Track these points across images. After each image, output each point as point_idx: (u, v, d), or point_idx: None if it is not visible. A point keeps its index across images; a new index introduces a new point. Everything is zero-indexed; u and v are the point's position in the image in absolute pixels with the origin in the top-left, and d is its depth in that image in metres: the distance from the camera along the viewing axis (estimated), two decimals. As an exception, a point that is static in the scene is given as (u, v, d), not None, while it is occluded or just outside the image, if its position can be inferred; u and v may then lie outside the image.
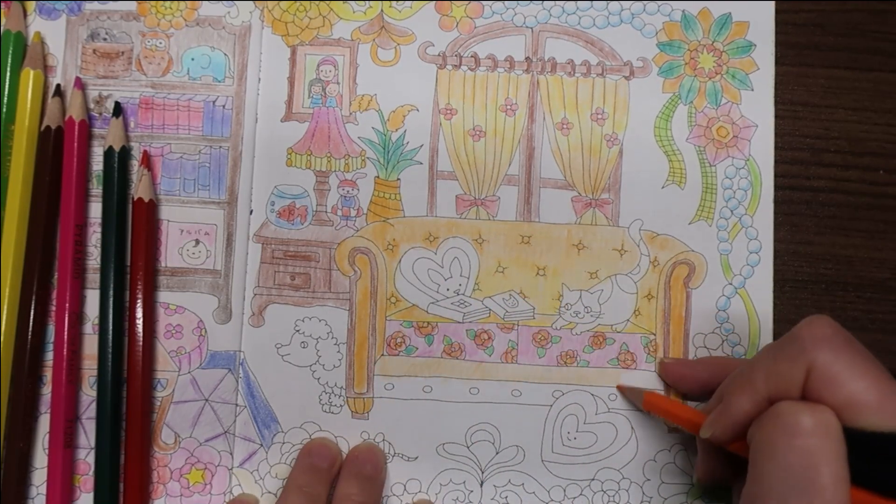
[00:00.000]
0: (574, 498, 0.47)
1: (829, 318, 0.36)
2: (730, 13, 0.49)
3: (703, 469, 0.43)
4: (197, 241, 0.48)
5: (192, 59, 0.49)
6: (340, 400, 0.47)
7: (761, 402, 0.36)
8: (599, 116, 0.49)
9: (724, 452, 0.40)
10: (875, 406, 0.33)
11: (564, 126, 0.49)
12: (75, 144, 0.47)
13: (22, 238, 0.46)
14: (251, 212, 0.48)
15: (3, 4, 0.48)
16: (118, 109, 0.48)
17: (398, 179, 0.49)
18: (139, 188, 0.47)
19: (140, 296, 0.46)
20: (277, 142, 0.49)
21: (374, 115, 0.49)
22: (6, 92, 0.47)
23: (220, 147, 0.49)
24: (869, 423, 0.33)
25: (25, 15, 0.49)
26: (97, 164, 0.48)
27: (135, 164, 0.48)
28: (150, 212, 0.47)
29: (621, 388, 0.47)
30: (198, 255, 0.48)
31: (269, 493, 0.47)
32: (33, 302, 0.45)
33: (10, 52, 0.47)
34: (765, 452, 0.35)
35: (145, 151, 0.48)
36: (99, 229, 0.47)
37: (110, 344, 0.45)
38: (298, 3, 0.49)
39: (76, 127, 0.47)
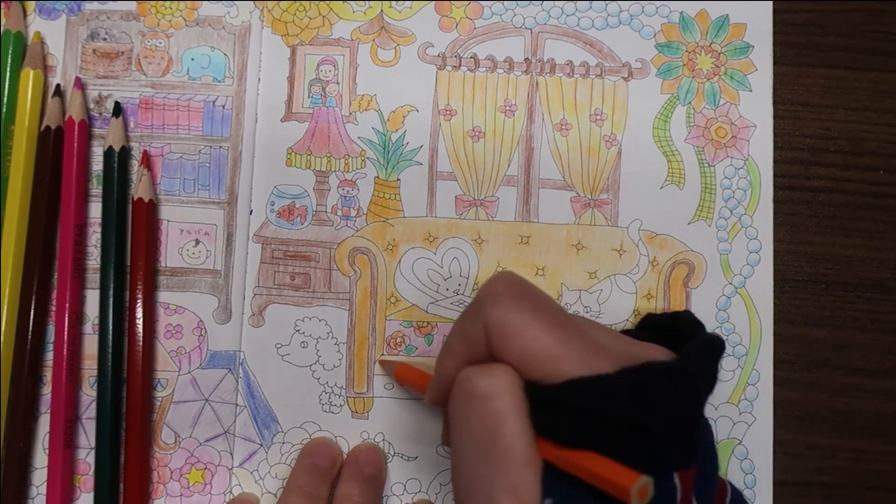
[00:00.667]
0: (573, 498, 0.47)
1: (508, 274, 0.36)
2: (727, 15, 0.49)
3: (445, 434, 0.43)
4: (197, 241, 0.48)
5: (192, 59, 0.49)
6: (340, 400, 0.47)
7: (461, 365, 0.36)
8: (598, 117, 0.49)
9: None
10: (548, 354, 0.33)
11: (563, 127, 0.49)
12: (75, 144, 0.47)
13: (22, 238, 0.46)
14: (251, 212, 0.48)
15: (2, 4, 0.48)
16: (118, 109, 0.48)
17: (398, 180, 0.49)
18: (139, 188, 0.47)
19: (140, 296, 0.46)
20: (277, 142, 0.49)
21: (373, 115, 0.49)
22: (6, 92, 0.47)
23: (220, 147, 0.49)
24: (547, 373, 0.33)
25: (25, 15, 0.49)
26: (97, 164, 0.48)
27: (135, 164, 0.48)
28: (150, 212, 0.47)
29: (382, 363, 0.47)
30: (198, 255, 0.48)
31: (269, 493, 0.47)
32: (33, 302, 0.45)
33: (10, 52, 0.47)
34: (454, 423, 0.35)
35: (145, 151, 0.48)
36: (99, 229, 0.47)
37: (110, 344, 0.45)
38: (298, 3, 0.49)
39: (76, 127, 0.47)
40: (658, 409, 0.31)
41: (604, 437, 0.31)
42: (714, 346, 0.38)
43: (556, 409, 0.32)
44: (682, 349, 0.36)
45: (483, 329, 0.34)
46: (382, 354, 0.48)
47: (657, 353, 0.35)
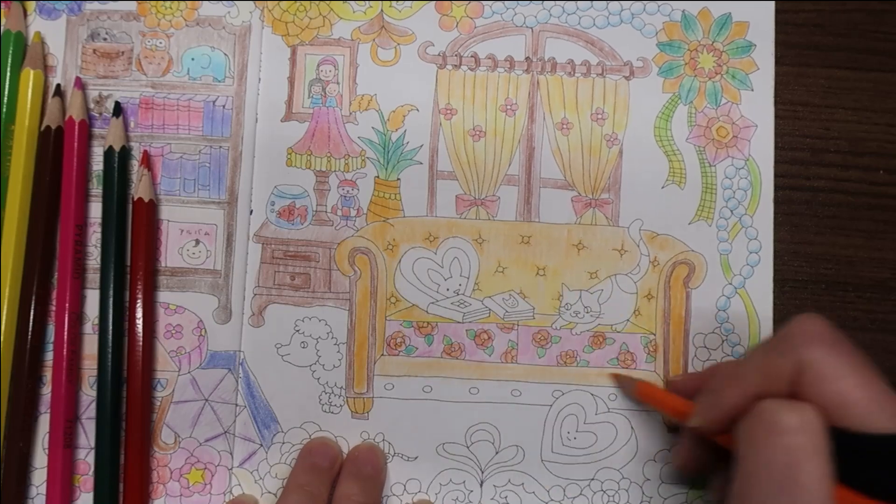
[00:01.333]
0: (574, 498, 0.47)
1: (821, 317, 0.36)
2: (730, 13, 0.49)
3: (684, 457, 0.43)
4: (197, 241, 0.48)
5: (193, 59, 0.49)
6: (340, 400, 0.47)
7: (750, 397, 0.36)
8: (599, 116, 0.49)
9: (706, 443, 0.40)
10: (863, 406, 0.33)
11: (564, 126, 0.49)
12: (75, 144, 0.47)
13: (22, 238, 0.46)
14: (251, 212, 0.48)
15: (3, 4, 0.48)
16: (118, 109, 0.48)
17: (398, 179, 0.49)
18: (139, 188, 0.47)
19: (140, 296, 0.46)
20: (277, 142, 0.49)
21: (374, 114, 0.49)
22: (6, 92, 0.47)
23: (220, 147, 0.49)
24: (856, 424, 0.33)
25: (25, 15, 0.49)
26: (97, 164, 0.48)
27: (135, 164, 0.48)
28: (150, 212, 0.47)
29: (615, 377, 0.47)
30: (198, 255, 0.48)
31: (269, 493, 0.47)
32: (33, 302, 0.45)
33: (10, 51, 0.47)
34: (748, 451, 0.34)
35: (145, 151, 0.48)
36: (99, 229, 0.47)
37: (110, 344, 0.45)
38: (298, 2, 0.49)
39: (76, 127, 0.47)
40: None
41: None
42: None
43: (872, 461, 0.32)
44: None
45: (793, 368, 0.34)
46: (382, 355, 0.47)
47: None
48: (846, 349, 0.35)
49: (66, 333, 0.45)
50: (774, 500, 0.33)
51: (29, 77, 0.47)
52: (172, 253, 0.48)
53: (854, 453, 0.33)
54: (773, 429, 0.33)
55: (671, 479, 0.47)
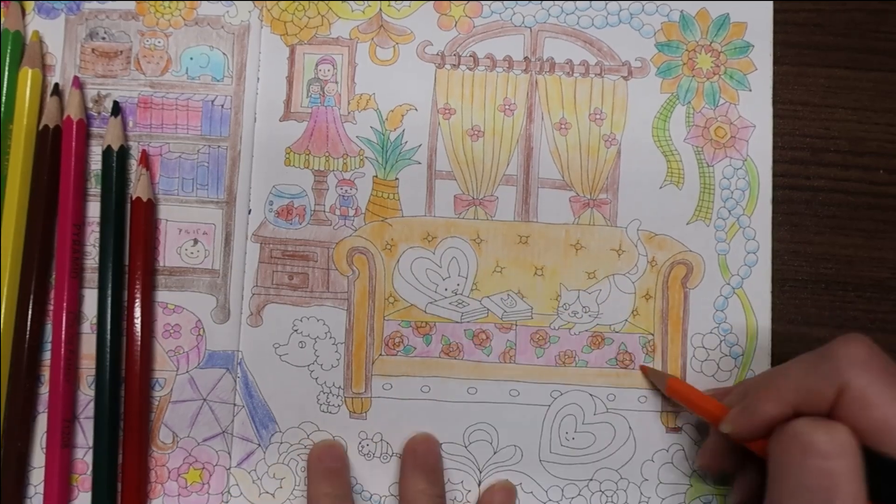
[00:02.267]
0: (572, 498, 0.47)
1: (866, 339, 0.36)
2: (728, 14, 0.49)
3: (710, 457, 0.43)
4: (195, 241, 0.48)
5: (191, 59, 0.49)
6: (338, 400, 0.47)
7: (787, 412, 0.36)
8: (598, 116, 0.49)
9: (734, 446, 0.40)
10: None
11: (563, 126, 0.49)
12: (73, 144, 0.47)
13: (20, 237, 0.46)
14: (249, 211, 0.48)
15: (1, 3, 0.48)
16: (117, 109, 0.48)
17: (396, 179, 0.49)
18: (137, 187, 0.47)
19: (138, 295, 0.46)
20: (276, 141, 0.49)
21: (372, 114, 0.49)
22: (4, 91, 0.47)
23: (219, 146, 0.49)
24: (891, 449, 0.33)
25: (24, 14, 0.49)
26: (95, 164, 0.48)
27: (133, 164, 0.48)
28: (148, 211, 0.47)
29: (645, 369, 0.47)
30: (196, 255, 0.48)
31: (267, 492, 0.47)
32: (31, 301, 0.45)
33: (9, 51, 0.47)
34: (781, 470, 0.35)
35: (144, 151, 0.48)
36: (97, 228, 0.47)
37: (108, 343, 0.45)
38: (297, 2, 0.49)
39: (74, 126, 0.47)
40: None
41: None
42: None
43: None
44: None
45: (836, 390, 0.34)
46: (380, 355, 0.47)
47: None
48: (891, 374, 0.35)
49: (64, 333, 0.45)
50: None
51: (27, 76, 0.47)
52: (171, 252, 0.48)
53: (891, 477, 0.33)
54: (809, 450, 0.34)
55: (669, 480, 0.47)
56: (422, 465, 0.45)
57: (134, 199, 0.47)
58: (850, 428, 0.34)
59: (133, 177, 0.48)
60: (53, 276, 0.46)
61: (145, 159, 0.48)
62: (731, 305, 0.48)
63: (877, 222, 0.49)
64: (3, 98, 0.47)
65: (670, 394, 0.45)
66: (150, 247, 0.47)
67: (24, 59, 0.47)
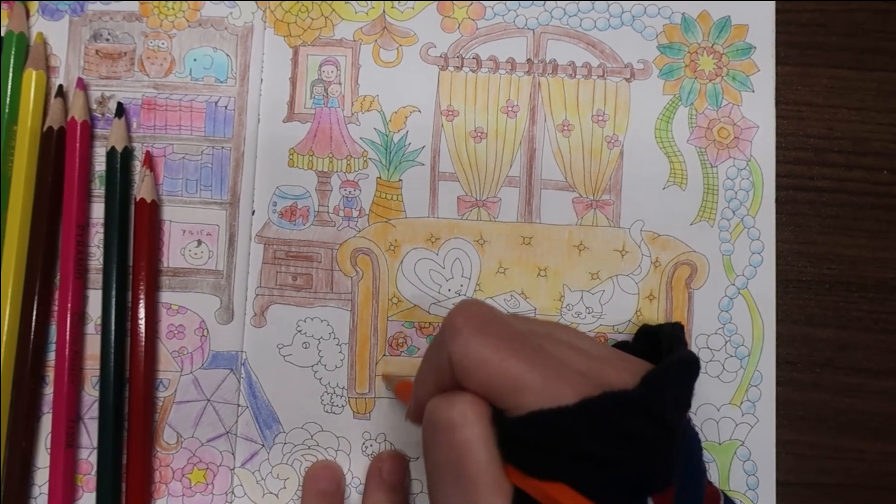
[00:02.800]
0: (575, 499, 0.47)
1: (469, 304, 0.35)
2: (729, 16, 0.49)
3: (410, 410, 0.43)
4: (199, 242, 0.48)
5: (195, 60, 0.49)
6: (342, 400, 0.47)
7: (432, 391, 0.36)
8: (600, 118, 0.49)
9: None
10: (508, 389, 0.32)
11: (565, 127, 0.49)
12: (77, 145, 0.47)
13: (24, 238, 0.46)
14: (253, 212, 0.48)
15: (5, 5, 0.48)
16: (120, 110, 0.48)
17: (400, 180, 0.49)
18: (141, 189, 0.47)
19: (142, 296, 0.46)
20: (279, 142, 0.49)
21: (376, 115, 0.49)
22: (8, 93, 0.47)
23: (223, 148, 0.49)
24: (507, 405, 0.33)
25: (28, 15, 0.49)
26: (99, 165, 0.48)
27: (137, 165, 0.48)
28: (152, 212, 0.47)
29: (385, 377, 0.47)
30: (200, 256, 0.48)
31: (271, 493, 0.47)
32: (35, 302, 0.45)
33: (13, 52, 0.47)
34: (424, 449, 0.35)
35: (148, 152, 0.48)
36: (101, 230, 0.47)
37: (112, 344, 0.46)
38: (301, 3, 0.49)
39: (78, 127, 0.47)
40: (618, 441, 0.31)
41: (569, 469, 0.31)
42: (684, 365, 0.37)
43: (520, 442, 0.32)
44: (649, 371, 0.35)
45: (447, 362, 0.34)
46: (384, 355, 0.48)
47: (625, 375, 0.34)
48: (490, 332, 0.34)
49: (68, 333, 0.46)
50: (453, 490, 0.33)
51: (31, 78, 0.47)
52: (175, 253, 0.48)
53: (511, 436, 0.33)
54: (435, 427, 0.34)
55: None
56: (382, 482, 0.45)
57: (138, 200, 0.47)
58: (472, 396, 0.33)
59: (137, 178, 0.48)
60: (58, 278, 0.46)
61: (149, 160, 0.48)
62: (737, 306, 0.48)
63: (880, 222, 0.49)
64: (8, 100, 0.47)
65: (399, 397, 0.46)
66: (153, 248, 0.47)
67: (29, 61, 0.48)
